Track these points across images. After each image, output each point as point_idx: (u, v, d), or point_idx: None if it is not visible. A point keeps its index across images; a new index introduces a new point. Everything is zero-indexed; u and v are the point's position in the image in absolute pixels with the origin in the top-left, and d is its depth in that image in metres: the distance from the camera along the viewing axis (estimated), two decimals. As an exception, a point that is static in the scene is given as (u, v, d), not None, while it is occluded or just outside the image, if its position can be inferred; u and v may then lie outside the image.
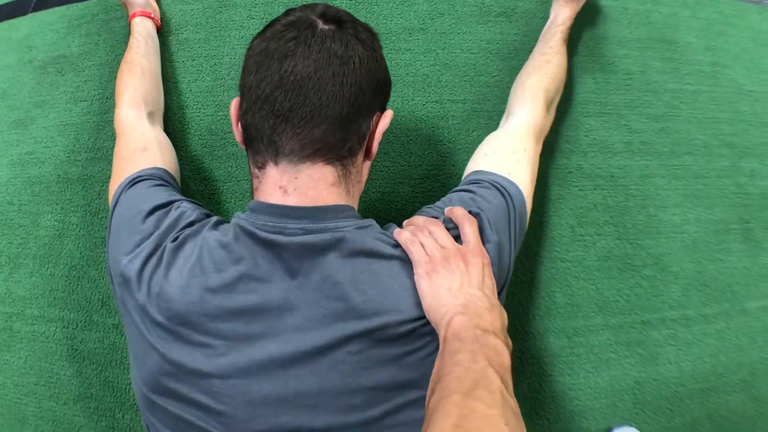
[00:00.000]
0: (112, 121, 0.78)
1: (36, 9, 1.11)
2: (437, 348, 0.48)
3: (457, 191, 0.61)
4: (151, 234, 0.54)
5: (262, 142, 0.51)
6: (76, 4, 1.02)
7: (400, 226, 0.58)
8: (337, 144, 0.51)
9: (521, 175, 0.63)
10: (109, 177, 0.69)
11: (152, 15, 0.90)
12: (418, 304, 0.49)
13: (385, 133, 0.82)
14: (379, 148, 0.79)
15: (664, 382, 0.80)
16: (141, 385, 0.51)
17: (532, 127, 0.69)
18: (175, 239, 0.53)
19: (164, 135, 0.77)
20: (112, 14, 1.01)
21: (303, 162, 0.51)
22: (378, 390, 0.47)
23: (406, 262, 0.52)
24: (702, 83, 0.89)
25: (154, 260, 0.52)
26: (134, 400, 0.80)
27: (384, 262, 0.51)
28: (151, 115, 0.77)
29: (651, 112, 0.87)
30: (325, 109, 0.49)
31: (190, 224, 0.55)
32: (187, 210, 0.57)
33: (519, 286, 0.80)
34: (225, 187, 0.86)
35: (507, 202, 0.59)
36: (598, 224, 0.83)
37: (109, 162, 0.73)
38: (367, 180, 0.62)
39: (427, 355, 0.49)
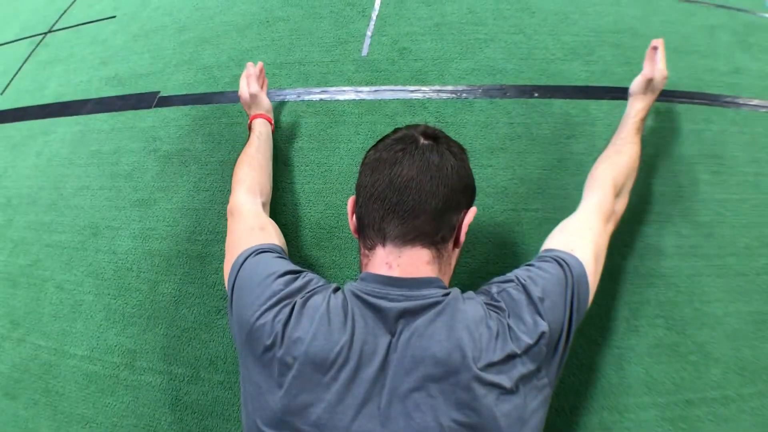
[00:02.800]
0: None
1: (159, 105, 1.23)
2: (499, 396, 0.56)
3: (523, 265, 0.71)
4: (282, 291, 0.64)
5: (373, 228, 0.65)
6: (199, 105, 1.17)
7: None
8: (431, 231, 0.64)
9: (584, 250, 0.70)
10: (225, 257, 0.76)
11: (271, 121, 1.01)
12: (483, 355, 0.57)
13: (469, 235, 0.97)
14: (463, 247, 0.94)
15: (703, 453, 0.89)
16: (256, 420, 0.60)
17: (598, 210, 0.77)
18: (303, 297, 0.63)
19: (275, 222, 0.86)
20: (234, 119, 1.14)
21: (405, 245, 0.64)
22: (452, 428, 0.55)
23: (477, 319, 0.59)
24: (746, 192, 0.99)
25: (285, 313, 0.61)
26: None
27: (460, 317, 0.59)
28: (264, 205, 0.87)
29: (700, 219, 0.97)
30: (423, 204, 0.63)
31: (316, 288, 0.66)
32: (314, 278, 0.68)
33: (579, 368, 0.92)
34: (330, 272, 0.99)
35: (564, 272, 0.66)
36: (650, 317, 0.94)
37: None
38: (455, 268, 0.75)
39: (491, 402, 0.55)
